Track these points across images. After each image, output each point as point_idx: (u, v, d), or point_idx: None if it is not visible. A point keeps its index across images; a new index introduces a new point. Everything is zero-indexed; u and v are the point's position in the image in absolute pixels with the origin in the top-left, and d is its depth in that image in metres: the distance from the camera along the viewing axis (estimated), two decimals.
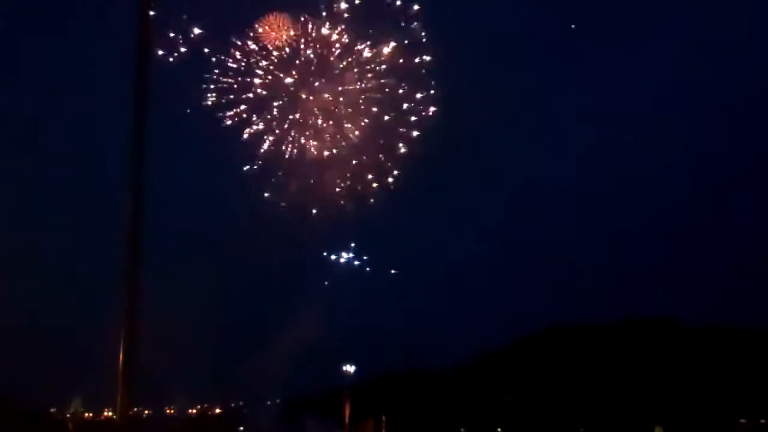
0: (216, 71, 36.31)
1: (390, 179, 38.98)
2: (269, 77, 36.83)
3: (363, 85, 38.50)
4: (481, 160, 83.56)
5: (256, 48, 36.35)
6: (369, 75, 37.90)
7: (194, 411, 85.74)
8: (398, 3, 36.99)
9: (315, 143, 37.77)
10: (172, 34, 34.23)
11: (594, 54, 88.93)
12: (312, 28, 36.28)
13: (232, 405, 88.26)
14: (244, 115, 37.03)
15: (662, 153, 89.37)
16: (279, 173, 38.45)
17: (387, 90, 39.11)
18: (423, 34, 37.81)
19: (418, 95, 38.65)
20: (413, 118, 38.93)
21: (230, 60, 36.34)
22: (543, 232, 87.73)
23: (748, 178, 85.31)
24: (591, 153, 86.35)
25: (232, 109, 36.71)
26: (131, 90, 16.21)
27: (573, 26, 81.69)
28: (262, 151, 37.63)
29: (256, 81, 36.72)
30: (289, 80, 36.88)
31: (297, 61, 36.71)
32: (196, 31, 34.99)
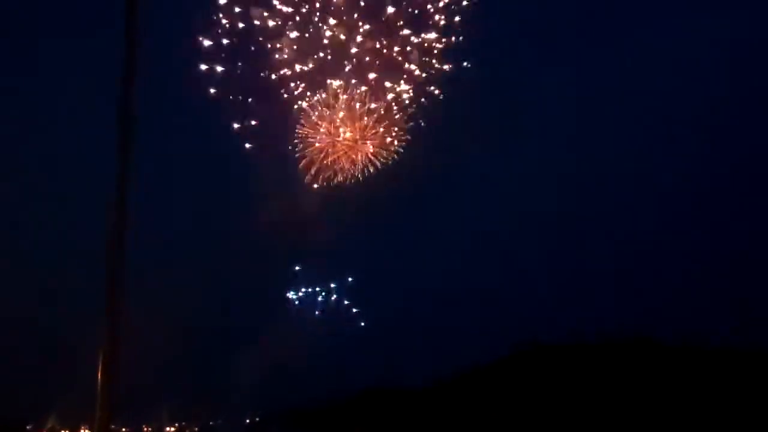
0: None
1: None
2: None
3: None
4: (467, 177, 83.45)
5: None
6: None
7: (172, 429, 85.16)
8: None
9: None
10: None
11: (594, 54, 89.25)
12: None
13: (210, 423, 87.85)
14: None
15: (636, 174, 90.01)
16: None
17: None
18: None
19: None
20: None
21: None
22: (518, 252, 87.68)
23: (725, 193, 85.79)
24: (562, 180, 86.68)
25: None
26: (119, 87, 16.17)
27: (575, 28, 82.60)
28: None
29: None
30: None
31: None
32: None
